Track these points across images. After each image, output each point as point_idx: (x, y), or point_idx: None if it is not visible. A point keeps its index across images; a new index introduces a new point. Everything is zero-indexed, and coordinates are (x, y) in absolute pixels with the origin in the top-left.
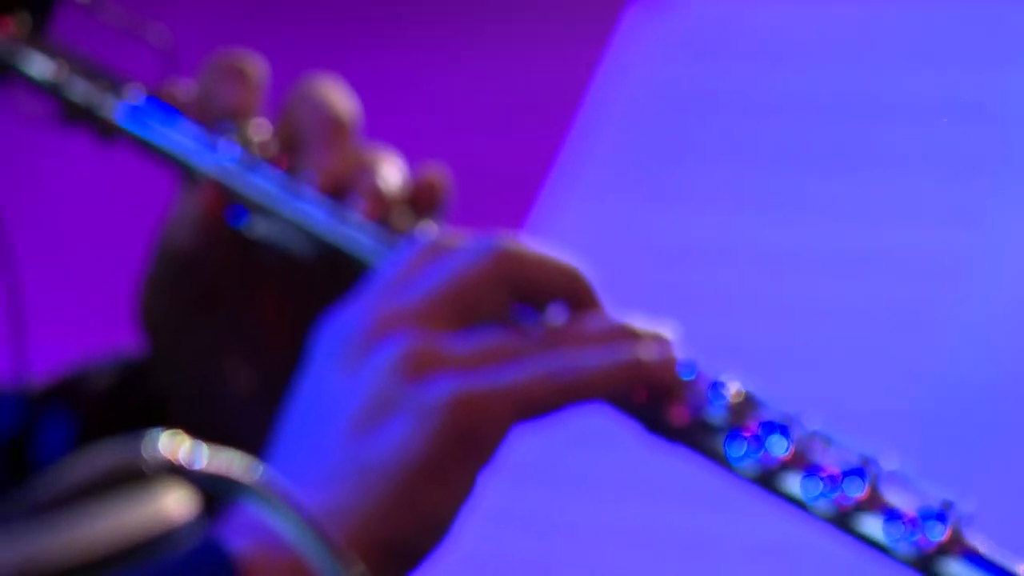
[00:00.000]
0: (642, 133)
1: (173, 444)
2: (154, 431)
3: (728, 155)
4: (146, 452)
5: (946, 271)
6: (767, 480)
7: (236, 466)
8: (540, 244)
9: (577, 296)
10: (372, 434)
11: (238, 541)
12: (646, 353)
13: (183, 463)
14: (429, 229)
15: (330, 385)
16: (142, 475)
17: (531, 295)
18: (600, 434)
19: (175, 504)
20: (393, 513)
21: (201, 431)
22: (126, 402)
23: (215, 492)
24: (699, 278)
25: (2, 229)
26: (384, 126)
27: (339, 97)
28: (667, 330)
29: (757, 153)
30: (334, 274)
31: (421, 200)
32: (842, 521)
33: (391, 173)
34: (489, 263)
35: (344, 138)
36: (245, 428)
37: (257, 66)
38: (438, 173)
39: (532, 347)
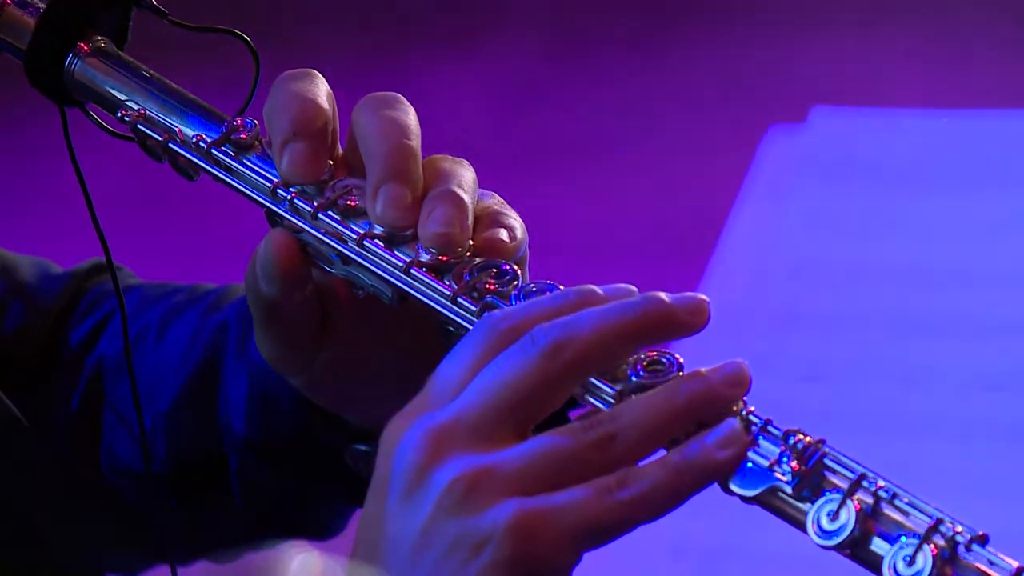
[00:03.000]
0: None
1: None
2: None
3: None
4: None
5: None
6: (855, 545)
7: None
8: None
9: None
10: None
11: None
12: (720, 454)
13: None
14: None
15: (390, 522)
16: None
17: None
18: None
19: None
20: None
21: None
22: None
23: None
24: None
25: None
26: None
27: (400, 116)
28: (738, 368)
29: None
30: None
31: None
32: None
33: (460, 198)
34: (545, 364)
35: (408, 169)
36: None
37: (325, 119)
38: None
39: (594, 452)
